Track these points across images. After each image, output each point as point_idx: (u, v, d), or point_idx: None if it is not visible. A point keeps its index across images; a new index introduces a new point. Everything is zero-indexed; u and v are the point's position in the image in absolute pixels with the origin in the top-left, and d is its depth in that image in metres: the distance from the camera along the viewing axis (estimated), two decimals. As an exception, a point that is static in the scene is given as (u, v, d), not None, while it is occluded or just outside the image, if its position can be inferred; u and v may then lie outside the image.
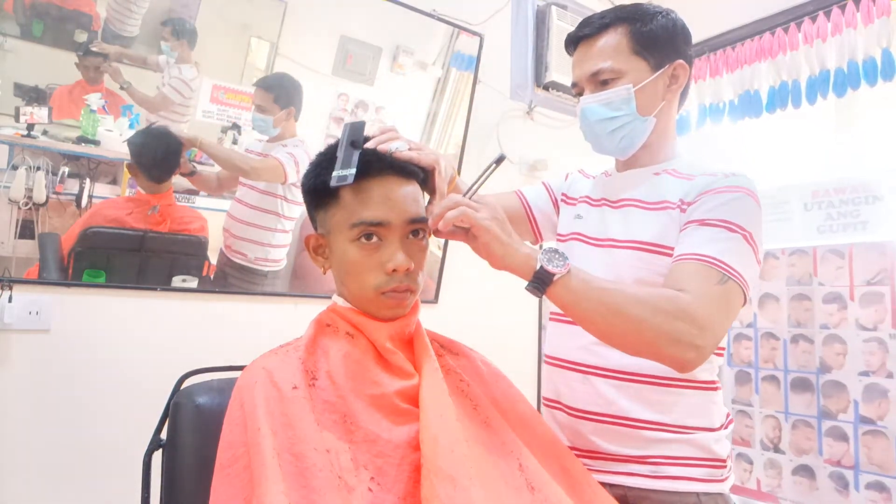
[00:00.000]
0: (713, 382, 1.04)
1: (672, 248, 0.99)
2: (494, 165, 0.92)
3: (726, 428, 1.06)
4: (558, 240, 1.21)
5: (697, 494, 0.99)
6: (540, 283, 0.88)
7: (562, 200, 1.25)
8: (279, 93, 1.86)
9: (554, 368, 1.12)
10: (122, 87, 1.61)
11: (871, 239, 1.83)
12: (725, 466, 1.03)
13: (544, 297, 0.90)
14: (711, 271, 0.91)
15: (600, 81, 1.05)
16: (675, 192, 1.02)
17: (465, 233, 0.90)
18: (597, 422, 1.03)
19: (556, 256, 0.88)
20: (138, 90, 1.64)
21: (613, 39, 1.04)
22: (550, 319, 1.18)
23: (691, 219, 0.97)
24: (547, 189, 1.28)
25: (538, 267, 0.87)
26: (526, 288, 0.89)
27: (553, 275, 0.87)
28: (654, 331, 0.86)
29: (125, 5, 1.60)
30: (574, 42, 1.10)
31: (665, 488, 0.99)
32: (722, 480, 1.02)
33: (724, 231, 0.94)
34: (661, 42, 1.05)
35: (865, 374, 1.79)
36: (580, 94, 1.10)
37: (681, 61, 1.08)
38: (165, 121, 1.68)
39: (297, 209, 1.90)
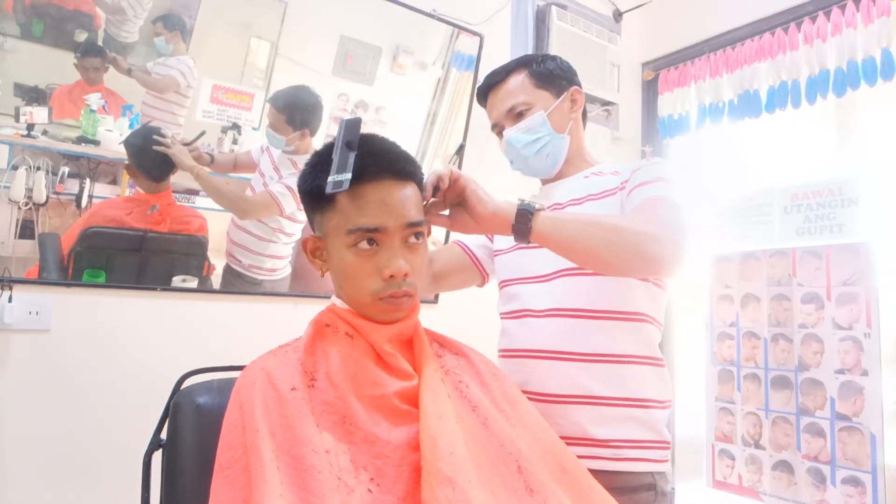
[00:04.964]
0: (660, 359, 1.18)
1: None
2: (456, 157, 1.01)
3: (671, 408, 1.20)
4: (496, 253, 1.32)
5: (652, 474, 1.12)
6: (525, 217, 0.98)
7: None
8: (292, 114, 1.85)
9: (514, 360, 1.20)
10: (129, 72, 1.61)
11: (846, 241, 1.88)
12: (669, 448, 1.17)
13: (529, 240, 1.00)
14: (659, 202, 1.07)
15: (516, 114, 1.23)
16: (608, 184, 1.18)
17: (448, 217, 1.03)
18: (566, 403, 1.12)
19: (530, 201, 1.03)
20: (142, 74, 1.64)
21: (518, 80, 1.24)
22: (503, 318, 1.28)
23: (632, 187, 1.13)
24: None
25: (520, 203, 1.00)
26: (513, 228, 0.99)
27: (534, 205, 1.00)
28: (634, 234, 0.99)
29: (123, 10, 1.60)
30: (484, 93, 1.29)
31: (626, 469, 1.10)
32: (667, 461, 1.17)
33: (657, 183, 1.11)
34: (555, 76, 1.25)
35: (841, 371, 1.84)
36: (500, 132, 1.26)
37: (576, 87, 1.27)
38: (166, 111, 1.68)
39: (298, 226, 1.89)
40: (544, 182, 1.32)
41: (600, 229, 0.99)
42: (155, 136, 1.66)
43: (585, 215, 1.07)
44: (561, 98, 1.24)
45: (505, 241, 1.30)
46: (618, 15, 2.58)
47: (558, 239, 0.99)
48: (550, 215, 1.00)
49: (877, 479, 1.74)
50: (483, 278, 1.39)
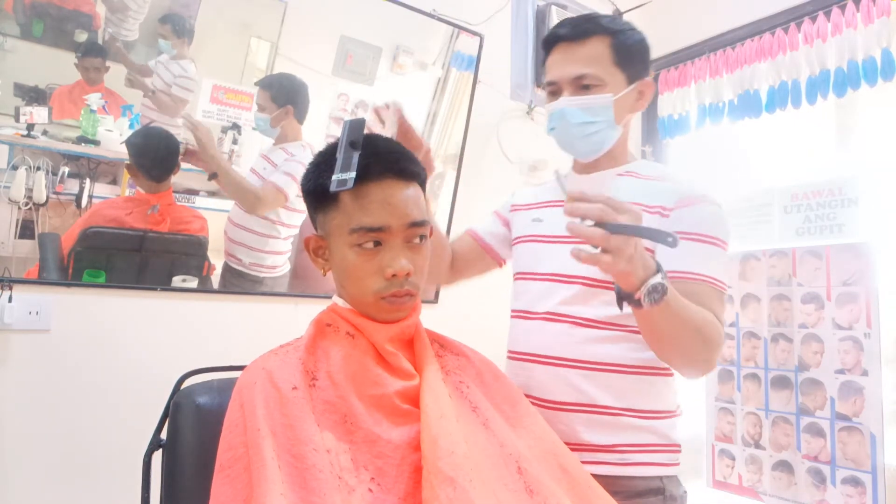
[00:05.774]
0: (665, 368, 1.12)
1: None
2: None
3: (680, 415, 1.16)
4: (515, 241, 1.28)
5: (660, 478, 1.09)
6: (659, 291, 0.87)
7: (512, 212, 1.32)
8: (276, 91, 1.85)
9: (519, 363, 1.17)
10: (146, 96, 1.65)
11: (846, 241, 1.88)
12: (680, 451, 1.13)
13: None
14: (717, 292, 1.05)
15: (582, 86, 1.10)
16: (643, 195, 1.09)
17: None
18: (569, 411, 1.09)
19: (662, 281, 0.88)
20: (160, 95, 1.66)
21: (597, 49, 1.10)
22: (513, 316, 1.23)
23: (681, 230, 1.00)
24: (497, 214, 1.37)
25: (661, 274, 0.87)
26: (630, 296, 0.87)
27: (665, 286, 0.87)
28: (700, 354, 1.01)
29: (124, 10, 1.60)
30: (553, 42, 1.14)
31: (632, 474, 1.07)
32: (677, 464, 1.13)
33: (713, 248, 1.07)
34: (636, 58, 1.13)
35: (841, 371, 1.84)
36: (555, 92, 1.13)
37: (649, 80, 1.16)
38: (165, 114, 1.68)
39: (297, 217, 1.89)
40: (577, 170, 1.24)
41: (693, 334, 0.97)
42: (183, 115, 1.68)
43: (684, 311, 0.96)
44: (632, 86, 1.12)
45: (523, 228, 1.25)
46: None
47: (653, 325, 0.97)
48: (675, 300, 0.92)
49: (877, 479, 1.74)
50: (499, 263, 1.37)
